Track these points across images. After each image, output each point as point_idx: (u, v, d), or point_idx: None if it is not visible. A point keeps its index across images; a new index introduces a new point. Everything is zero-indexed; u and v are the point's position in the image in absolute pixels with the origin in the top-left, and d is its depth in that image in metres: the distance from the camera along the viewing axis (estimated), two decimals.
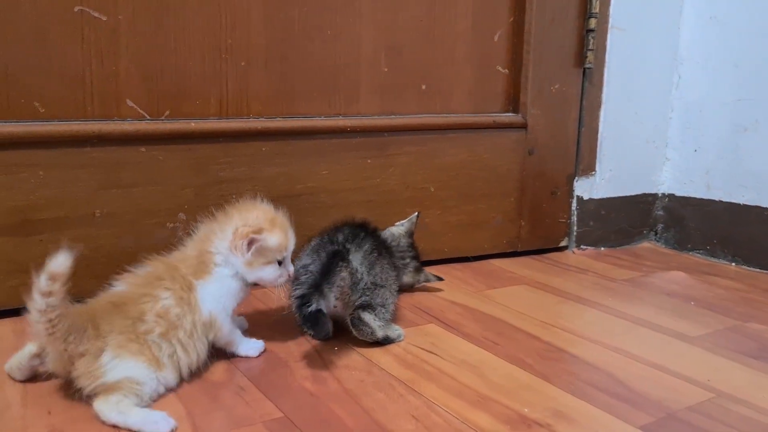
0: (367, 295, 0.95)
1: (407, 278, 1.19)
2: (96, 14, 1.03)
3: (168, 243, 0.97)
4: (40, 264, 0.70)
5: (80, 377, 0.75)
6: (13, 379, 0.82)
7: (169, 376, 0.80)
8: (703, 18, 1.53)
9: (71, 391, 0.76)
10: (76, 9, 1.02)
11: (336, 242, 0.98)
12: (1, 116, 1.00)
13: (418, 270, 1.21)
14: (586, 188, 1.54)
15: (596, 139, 1.53)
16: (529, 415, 0.79)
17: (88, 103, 1.05)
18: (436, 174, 1.37)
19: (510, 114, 1.45)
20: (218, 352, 0.90)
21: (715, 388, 0.88)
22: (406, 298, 1.18)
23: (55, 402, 0.77)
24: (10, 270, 1.01)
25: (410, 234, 1.21)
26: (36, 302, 0.71)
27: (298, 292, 0.93)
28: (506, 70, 1.44)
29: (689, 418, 0.80)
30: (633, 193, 1.60)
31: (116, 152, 1.07)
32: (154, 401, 0.78)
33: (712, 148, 1.54)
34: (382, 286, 0.98)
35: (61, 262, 0.70)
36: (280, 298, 0.95)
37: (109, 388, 0.74)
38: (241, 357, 0.91)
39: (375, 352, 0.95)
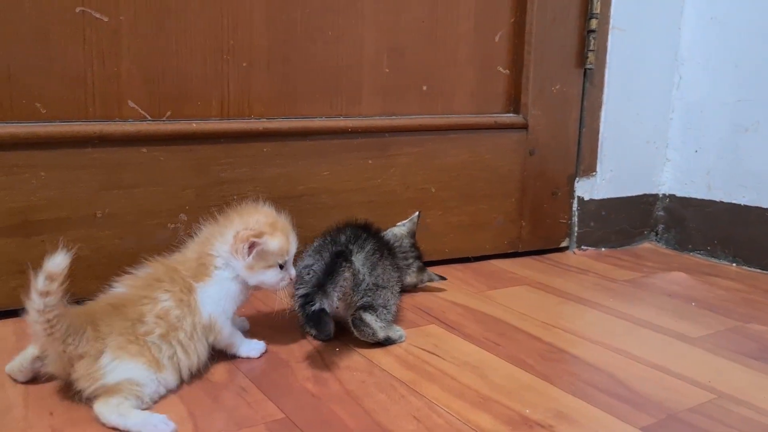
0: (369, 296, 0.95)
1: (410, 278, 1.19)
2: (98, 15, 1.03)
3: (169, 244, 0.97)
4: (40, 265, 0.70)
5: (80, 379, 0.75)
6: (15, 380, 0.82)
7: (170, 378, 0.80)
8: (704, 18, 1.53)
9: (72, 392, 0.76)
10: (77, 10, 1.02)
11: (338, 243, 0.98)
12: (2, 117, 1.00)
13: (421, 270, 1.21)
14: (586, 189, 1.54)
15: (597, 140, 1.53)
16: (531, 416, 0.79)
17: (90, 103, 1.05)
18: (437, 174, 1.37)
19: (511, 114, 1.45)
20: (219, 353, 0.90)
21: (716, 389, 0.88)
22: (407, 299, 1.18)
23: (57, 403, 0.77)
24: (11, 271, 1.01)
25: (412, 234, 1.21)
26: (34, 302, 0.71)
27: (302, 292, 0.93)
28: (507, 71, 1.44)
29: (690, 419, 0.80)
30: (634, 194, 1.60)
31: (117, 153, 1.07)
32: (156, 402, 0.78)
33: (713, 149, 1.54)
34: (383, 287, 0.98)
35: (58, 262, 0.70)
36: (282, 299, 0.95)
37: (109, 390, 0.74)
38: (243, 358, 0.91)
39: (376, 353, 0.95)
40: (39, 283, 0.70)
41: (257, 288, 0.91)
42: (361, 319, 0.94)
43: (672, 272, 1.43)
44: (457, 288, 1.26)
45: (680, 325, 1.12)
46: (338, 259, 0.89)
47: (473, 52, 1.38)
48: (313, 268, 0.95)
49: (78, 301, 0.80)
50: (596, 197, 1.54)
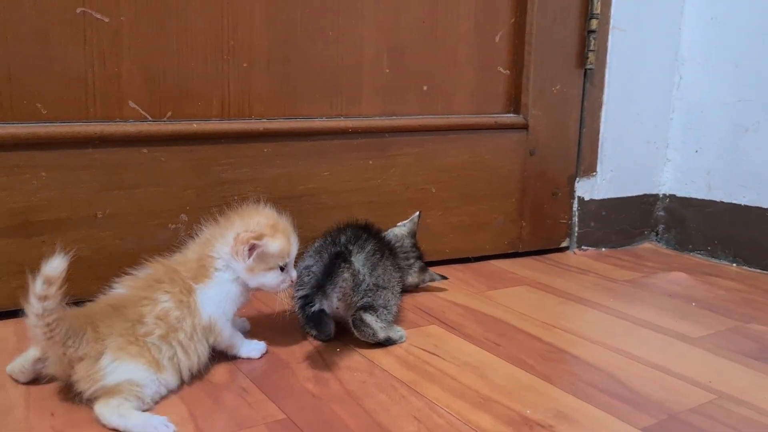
0: (369, 297, 0.95)
1: (412, 278, 1.19)
2: (98, 15, 1.03)
3: (170, 244, 0.97)
4: (39, 266, 0.70)
5: (80, 380, 0.74)
6: (16, 381, 0.82)
7: (170, 379, 0.80)
8: (704, 18, 1.53)
9: (73, 393, 0.76)
10: (78, 10, 1.02)
11: (338, 244, 0.98)
12: (3, 117, 1.00)
13: (422, 270, 1.21)
14: (587, 189, 1.54)
15: (597, 140, 1.53)
16: (531, 416, 0.79)
17: (90, 104, 1.05)
18: (437, 175, 1.37)
19: (511, 115, 1.45)
20: (220, 354, 0.90)
21: (716, 390, 0.88)
22: (408, 299, 1.18)
23: (58, 404, 0.77)
24: (11, 271, 1.01)
25: (413, 234, 1.21)
26: (33, 306, 0.71)
27: (301, 293, 0.93)
28: (507, 71, 1.44)
29: (691, 419, 0.80)
30: (634, 194, 1.60)
31: (118, 153, 1.07)
32: (156, 403, 0.78)
33: (713, 149, 1.54)
34: (384, 288, 0.98)
35: (56, 265, 0.70)
36: (282, 300, 0.95)
37: (110, 391, 0.74)
38: (243, 358, 0.91)
39: (377, 354, 0.95)
40: (37, 287, 0.70)
41: (258, 290, 0.91)
42: (362, 320, 0.94)
43: (672, 272, 1.43)
44: (457, 288, 1.26)
45: (680, 325, 1.12)
46: (337, 260, 0.89)
47: (473, 52, 1.38)
48: (312, 269, 0.95)
49: (79, 301, 0.80)
50: (596, 197, 1.54)
